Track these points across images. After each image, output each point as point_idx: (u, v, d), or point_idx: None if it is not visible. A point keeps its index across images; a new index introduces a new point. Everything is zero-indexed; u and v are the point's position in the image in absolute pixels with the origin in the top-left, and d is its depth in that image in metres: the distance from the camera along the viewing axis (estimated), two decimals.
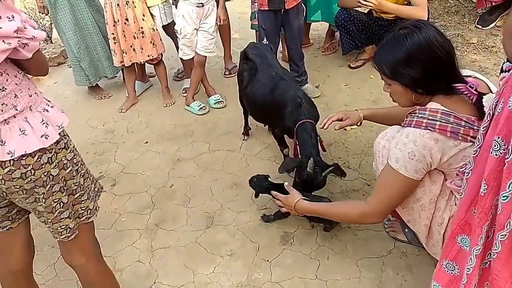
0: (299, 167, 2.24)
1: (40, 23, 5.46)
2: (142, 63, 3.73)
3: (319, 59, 4.24)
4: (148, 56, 3.62)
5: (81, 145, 3.38)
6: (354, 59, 4.03)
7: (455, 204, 1.77)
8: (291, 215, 2.26)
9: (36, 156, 1.36)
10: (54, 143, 1.41)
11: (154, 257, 2.31)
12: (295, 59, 3.58)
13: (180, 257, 2.29)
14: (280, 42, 3.76)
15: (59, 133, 1.44)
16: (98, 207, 1.63)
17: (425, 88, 1.68)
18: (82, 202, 1.53)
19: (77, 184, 1.49)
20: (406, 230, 2.19)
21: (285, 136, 2.74)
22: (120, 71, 4.06)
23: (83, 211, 1.54)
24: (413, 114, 1.70)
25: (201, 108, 3.61)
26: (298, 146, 2.38)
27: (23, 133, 1.35)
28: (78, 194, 1.51)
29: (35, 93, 1.42)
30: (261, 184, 2.30)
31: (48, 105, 1.46)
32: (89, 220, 1.58)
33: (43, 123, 1.39)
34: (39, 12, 4.12)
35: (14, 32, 1.22)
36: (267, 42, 3.40)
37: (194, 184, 2.82)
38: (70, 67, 4.05)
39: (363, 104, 3.46)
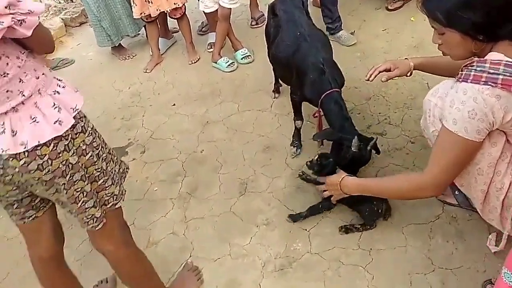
0: (340, 144, 2.02)
1: None
2: (168, 11, 3.48)
3: (353, 2, 3.87)
4: (174, 3, 3.38)
5: (108, 110, 3.30)
6: (392, 0, 3.65)
7: None
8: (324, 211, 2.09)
9: (52, 145, 1.25)
10: (70, 128, 1.29)
11: (189, 228, 2.25)
12: (328, 3, 3.27)
13: (215, 228, 2.21)
14: None
15: (74, 116, 1.31)
16: (125, 191, 1.53)
17: (488, 34, 1.44)
18: (107, 188, 1.43)
19: (99, 169, 1.39)
20: (456, 192, 2.00)
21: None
22: (143, 28, 3.87)
23: (109, 198, 1.45)
24: (469, 67, 1.47)
25: (229, 65, 3.41)
26: (325, 118, 2.16)
27: (35, 121, 1.23)
28: (101, 181, 1.41)
29: (43, 73, 1.28)
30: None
31: (59, 86, 1.32)
32: (116, 207, 1.49)
33: (55, 107, 1.27)
34: None
35: (6, 8, 1.06)
36: None
37: (225, 148, 2.70)
38: (92, 27, 3.89)
39: (404, 51, 3.16)
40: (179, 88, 3.39)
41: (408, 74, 2.00)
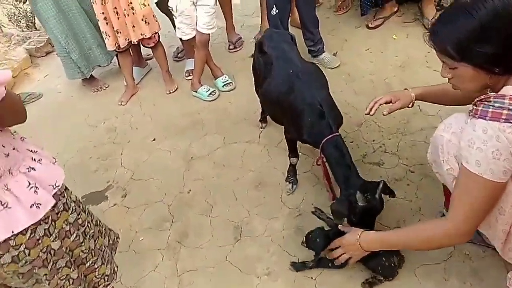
0: (349, 204, 1.83)
1: (20, 8, 4.98)
2: (136, 43, 3.30)
3: (332, 21, 3.79)
4: (141, 34, 3.20)
5: (83, 149, 3.07)
6: (372, 17, 3.58)
7: None
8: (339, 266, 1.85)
9: (29, 232, 1.06)
10: (50, 209, 1.09)
11: (182, 283, 2.05)
12: (309, 26, 3.17)
13: (211, 280, 2.03)
14: None
15: (55, 194, 1.12)
16: (117, 267, 1.34)
17: (505, 66, 1.33)
18: (97, 270, 1.24)
19: (87, 250, 1.20)
20: None
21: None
22: (115, 57, 3.66)
23: (99, 279, 1.26)
24: (486, 103, 1.36)
25: (210, 94, 3.25)
26: (328, 165, 2.00)
27: (6, 207, 1.03)
28: (90, 262, 1.22)
29: (14, 148, 1.09)
30: (321, 241, 1.88)
31: (34, 160, 1.13)
32: (108, 287, 1.29)
33: (31, 188, 1.08)
34: (15, 0, 3.68)
35: None
36: (277, 11, 2.99)
37: (213, 186, 2.52)
38: (60, 58, 3.64)
39: (390, 72, 3.08)
40: (158, 120, 3.19)
41: (410, 106, 1.90)
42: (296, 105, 2.02)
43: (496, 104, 1.32)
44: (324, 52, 3.27)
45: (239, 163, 2.64)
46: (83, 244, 1.18)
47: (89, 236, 1.22)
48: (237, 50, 3.73)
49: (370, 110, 1.90)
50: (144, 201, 2.55)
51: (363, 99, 2.87)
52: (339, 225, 1.81)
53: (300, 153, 2.43)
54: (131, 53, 3.50)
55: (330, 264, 1.88)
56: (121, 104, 3.45)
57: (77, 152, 3.06)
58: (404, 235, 1.61)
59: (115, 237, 1.40)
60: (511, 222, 1.48)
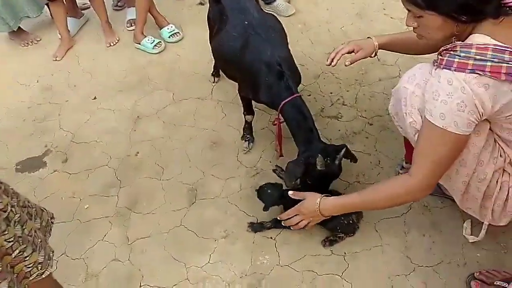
0: (306, 166, 1.71)
1: None
2: None
3: None
4: None
5: (15, 111, 2.75)
6: None
7: (500, 155, 1.45)
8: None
9: None
10: None
11: (134, 252, 1.91)
12: None
13: (166, 248, 1.90)
14: None
15: None
16: (53, 252, 1.16)
17: (472, 14, 1.25)
18: (26, 259, 1.06)
19: (12, 239, 1.01)
20: None
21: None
22: (45, 6, 3.25)
23: (31, 268, 1.08)
24: (452, 52, 1.28)
25: (155, 45, 2.98)
26: (287, 126, 1.86)
27: None
28: (17, 251, 1.03)
29: None
30: (273, 195, 1.80)
31: None
32: (43, 276, 1.12)
33: None
34: None
35: None
36: None
37: (164, 148, 2.34)
38: None
39: (347, 20, 2.94)
40: (99, 77, 2.90)
41: (373, 55, 1.79)
42: (252, 63, 1.84)
43: (462, 54, 1.25)
44: None
45: (191, 121, 2.46)
46: (6, 232, 1.00)
47: (14, 222, 1.03)
48: None
49: (332, 61, 1.77)
50: (88, 165, 2.33)
51: (320, 49, 2.74)
52: (289, 193, 1.69)
53: (256, 109, 2.28)
54: (64, 2, 3.12)
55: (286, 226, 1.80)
56: (56, 60, 3.10)
57: (7, 115, 2.74)
58: (365, 197, 1.51)
59: (49, 218, 1.21)
60: (471, 173, 1.46)
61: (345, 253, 1.76)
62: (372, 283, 1.67)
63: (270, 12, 3.01)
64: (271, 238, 1.85)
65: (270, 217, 1.86)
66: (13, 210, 1.04)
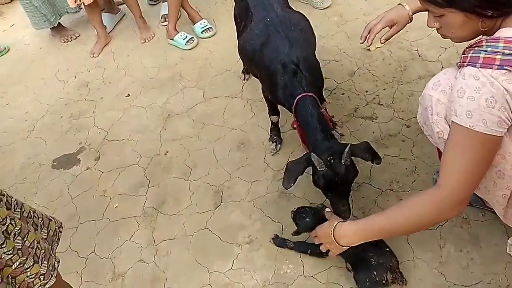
0: (305, 166, 1.58)
1: None
2: None
3: None
4: None
5: (54, 108, 2.85)
6: None
7: None
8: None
9: None
10: None
11: (159, 253, 1.92)
12: None
13: (190, 251, 1.89)
14: None
15: None
16: (58, 262, 1.16)
17: (498, 7, 1.13)
18: (28, 270, 1.06)
19: (11, 251, 1.01)
20: None
21: None
22: None
23: (34, 279, 1.08)
24: (476, 48, 1.16)
25: (188, 41, 2.95)
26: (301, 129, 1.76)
27: None
28: (17, 263, 1.03)
29: None
30: (310, 221, 1.62)
31: None
32: (47, 286, 1.12)
33: None
34: None
35: None
36: None
37: (192, 147, 2.32)
38: (22, 7, 3.29)
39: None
40: (133, 74, 2.93)
41: (409, 22, 1.65)
42: (270, 62, 1.76)
43: (489, 49, 1.13)
44: None
45: (220, 120, 2.42)
46: (4, 245, 1.00)
47: (14, 234, 1.03)
48: None
49: (367, 40, 1.67)
50: (119, 164, 2.36)
51: (356, 44, 2.60)
52: (325, 211, 1.59)
53: (285, 110, 2.19)
54: None
55: (309, 252, 1.70)
56: (93, 56, 3.17)
57: (47, 111, 2.84)
58: (389, 219, 1.31)
59: (57, 227, 1.21)
60: (511, 186, 1.30)
61: None
62: None
63: (304, 4, 2.92)
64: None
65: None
66: (13, 222, 1.04)
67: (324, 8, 2.90)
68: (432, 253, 1.65)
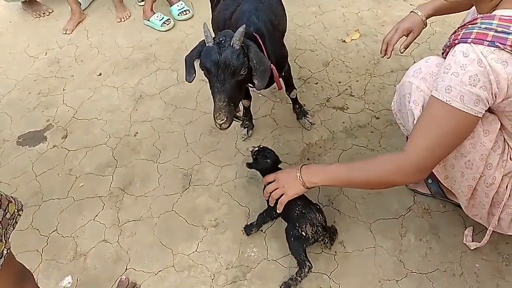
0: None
1: None
2: None
3: None
4: None
5: (22, 83, 2.77)
6: None
7: (510, 159, 1.34)
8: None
9: None
10: None
11: (123, 234, 1.89)
12: None
13: (155, 232, 1.87)
14: None
15: None
16: (9, 249, 1.09)
17: None
18: None
19: None
20: (429, 181, 1.77)
21: None
22: None
23: None
24: (470, 26, 1.17)
25: (164, 23, 2.90)
26: None
27: None
28: None
29: None
30: (270, 163, 1.69)
31: None
32: None
33: None
34: None
35: None
36: None
37: (163, 129, 2.29)
38: None
39: (364, 3, 2.79)
40: (106, 53, 2.86)
41: (424, 27, 1.68)
42: (235, 26, 1.73)
43: (483, 26, 1.13)
44: None
45: (193, 104, 2.39)
46: None
47: None
48: None
49: (386, 53, 1.70)
50: (86, 143, 2.31)
51: (333, 34, 2.62)
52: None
53: (260, 95, 2.20)
54: None
55: (264, 217, 1.75)
56: (65, 33, 3.08)
57: (14, 87, 2.75)
58: (352, 169, 1.40)
59: (16, 209, 1.14)
60: (478, 177, 1.35)
61: (335, 253, 1.69)
62: (361, 286, 1.60)
63: None
64: (261, 231, 1.79)
65: (261, 209, 1.79)
66: None
67: None
68: (393, 241, 1.69)
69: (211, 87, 1.52)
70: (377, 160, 1.40)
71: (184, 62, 1.56)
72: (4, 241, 1.05)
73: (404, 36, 1.68)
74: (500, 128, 1.31)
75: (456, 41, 1.17)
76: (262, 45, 1.64)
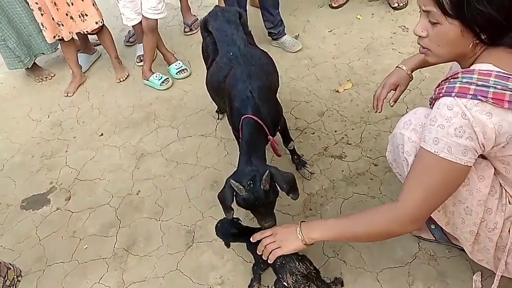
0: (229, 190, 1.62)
1: None
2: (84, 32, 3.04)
3: (294, 0, 3.57)
4: (83, 29, 2.94)
5: (25, 147, 2.82)
6: None
7: (509, 202, 1.35)
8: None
9: None
10: None
11: None
12: (269, 6, 2.94)
13: None
14: None
15: None
16: None
17: (494, 35, 1.15)
18: None
19: None
20: (433, 226, 1.77)
21: None
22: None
23: None
24: (452, 80, 1.21)
25: (163, 82, 3.01)
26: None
27: None
28: None
29: None
30: (228, 232, 1.74)
31: None
32: None
33: None
34: None
35: None
36: None
37: (165, 187, 2.32)
38: None
39: (354, 55, 2.90)
40: (107, 113, 2.94)
41: (410, 80, 1.76)
42: (230, 91, 1.82)
43: (464, 80, 1.17)
44: (285, 34, 3.07)
45: (193, 159, 2.44)
46: None
47: None
48: (194, 33, 3.47)
49: (377, 108, 1.77)
50: (89, 204, 2.33)
51: (326, 85, 2.71)
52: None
53: None
54: (78, 38, 3.22)
55: (258, 270, 1.75)
56: (67, 96, 3.18)
57: (18, 151, 2.80)
58: (348, 221, 1.42)
59: (15, 276, 1.16)
60: (479, 222, 1.36)
61: None
62: None
63: (277, 48, 3.04)
64: (267, 286, 1.78)
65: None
66: None
67: (295, 52, 3.02)
68: None
69: (255, 215, 1.69)
70: (374, 211, 1.41)
71: (219, 201, 1.66)
72: None
73: (392, 91, 1.75)
74: (494, 173, 1.34)
75: (441, 95, 1.22)
76: (261, 121, 1.73)
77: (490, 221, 1.35)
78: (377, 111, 1.78)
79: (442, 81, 1.29)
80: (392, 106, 1.74)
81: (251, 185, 1.55)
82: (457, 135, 1.15)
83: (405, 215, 1.27)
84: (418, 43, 1.30)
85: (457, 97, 1.16)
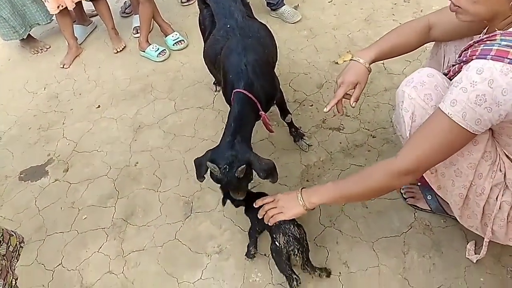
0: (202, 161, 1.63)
1: None
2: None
3: None
4: None
5: (22, 119, 2.81)
6: None
7: (500, 170, 1.36)
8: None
9: None
10: None
11: (128, 265, 1.89)
12: None
13: (159, 261, 1.88)
14: None
15: None
16: (16, 279, 1.12)
17: None
18: None
19: None
20: (429, 197, 1.79)
21: None
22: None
23: None
24: (489, 42, 1.16)
25: (160, 53, 2.97)
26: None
27: None
28: None
29: None
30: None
31: None
32: None
33: None
34: None
35: None
36: None
37: (163, 158, 2.32)
38: None
39: (354, 26, 2.86)
40: (104, 85, 2.92)
41: (369, 73, 1.65)
42: (224, 63, 1.79)
43: (503, 43, 1.12)
44: (284, 5, 3.01)
45: (191, 131, 2.43)
46: None
47: None
48: (191, 3, 3.41)
49: (331, 108, 1.64)
50: (88, 175, 2.33)
51: (325, 57, 2.68)
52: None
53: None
54: (72, 10, 3.14)
55: (254, 233, 1.77)
56: (63, 67, 3.14)
57: (14, 123, 2.79)
58: (346, 181, 1.45)
59: (18, 242, 1.17)
60: (468, 185, 1.37)
61: (340, 273, 1.69)
62: None
63: (276, 18, 2.99)
64: (264, 255, 1.80)
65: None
66: None
67: (294, 23, 2.98)
68: (396, 259, 1.70)
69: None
70: (370, 168, 1.41)
71: (194, 165, 1.68)
72: (12, 273, 1.07)
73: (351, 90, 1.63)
74: (495, 140, 1.34)
75: (474, 57, 1.17)
76: (253, 97, 1.71)
77: (479, 185, 1.36)
78: (328, 111, 1.64)
79: (475, 42, 1.22)
80: (353, 107, 1.62)
81: (226, 169, 1.54)
82: (477, 103, 1.12)
83: (402, 167, 1.28)
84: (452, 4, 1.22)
85: (493, 60, 1.11)
